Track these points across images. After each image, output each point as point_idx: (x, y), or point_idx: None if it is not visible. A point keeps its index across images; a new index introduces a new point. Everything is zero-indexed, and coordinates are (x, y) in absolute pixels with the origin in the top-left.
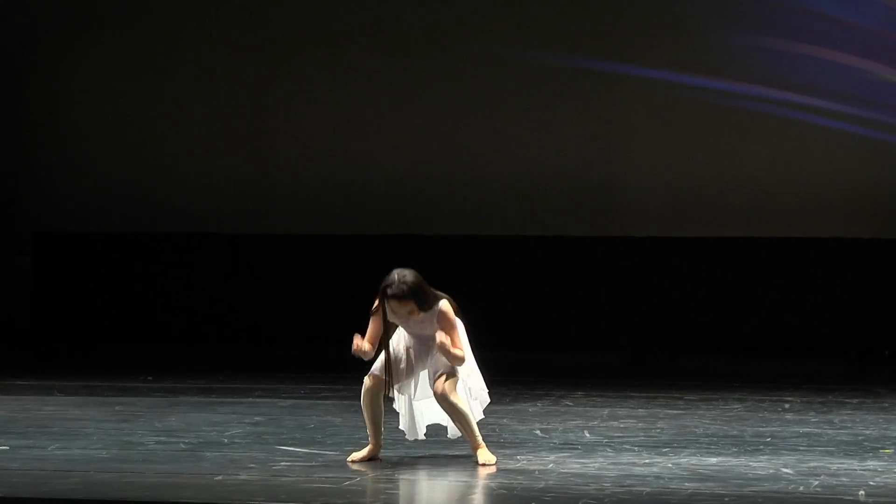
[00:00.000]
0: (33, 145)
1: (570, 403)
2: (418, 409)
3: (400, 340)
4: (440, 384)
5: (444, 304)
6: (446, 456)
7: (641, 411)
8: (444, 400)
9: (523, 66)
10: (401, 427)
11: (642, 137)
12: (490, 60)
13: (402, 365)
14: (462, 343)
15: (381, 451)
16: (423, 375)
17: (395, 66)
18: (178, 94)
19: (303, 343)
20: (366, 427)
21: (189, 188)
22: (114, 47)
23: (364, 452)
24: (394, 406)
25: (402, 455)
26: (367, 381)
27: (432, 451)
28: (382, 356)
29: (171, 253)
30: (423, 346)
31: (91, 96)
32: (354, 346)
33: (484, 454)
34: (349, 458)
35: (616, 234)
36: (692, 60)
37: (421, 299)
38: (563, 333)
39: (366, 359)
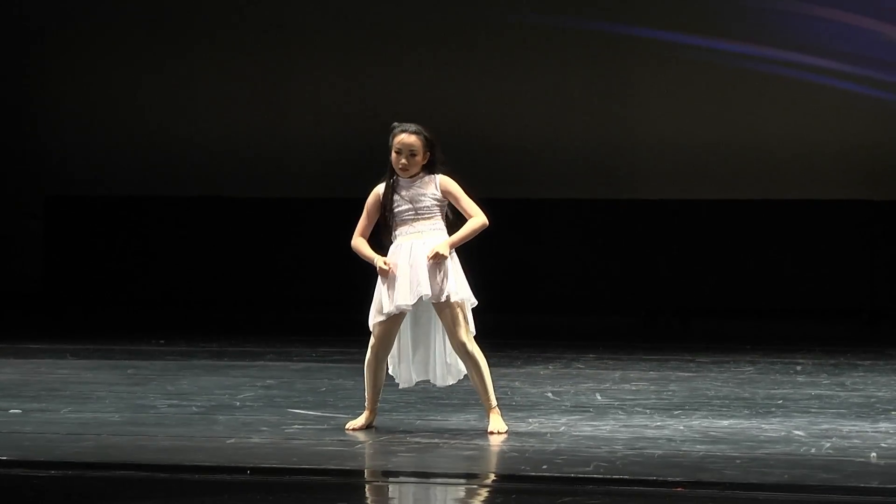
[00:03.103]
0: (44, 110)
1: (582, 366)
2: (411, 355)
3: (395, 260)
4: (456, 334)
5: (444, 176)
6: (455, 420)
7: (653, 374)
8: (463, 352)
9: (535, 29)
10: (391, 372)
11: (655, 100)
12: (502, 23)
13: (405, 282)
14: (470, 206)
15: (378, 417)
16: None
17: (409, 28)
18: (188, 57)
19: (316, 306)
20: (365, 392)
21: (201, 151)
22: (125, 13)
23: (362, 420)
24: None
25: (409, 419)
26: (372, 339)
27: (439, 416)
28: (383, 302)
29: (183, 216)
30: (418, 250)
31: (102, 60)
32: (387, 271)
33: (496, 421)
34: (347, 426)
35: (628, 197)
36: (704, 23)
37: (428, 140)
38: (575, 296)
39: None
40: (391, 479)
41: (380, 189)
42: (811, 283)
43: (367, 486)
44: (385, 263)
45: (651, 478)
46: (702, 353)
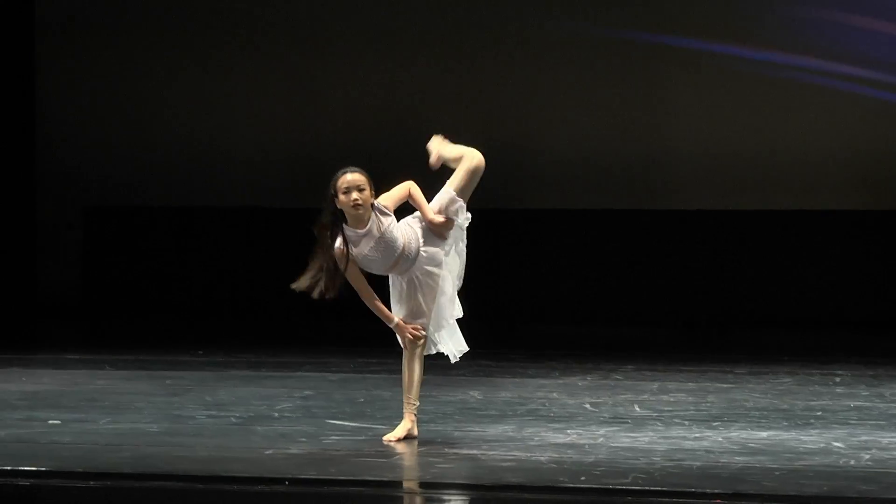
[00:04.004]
0: (84, 121)
1: (620, 377)
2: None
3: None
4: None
5: (375, 202)
6: (493, 431)
7: (691, 385)
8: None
9: (570, 39)
10: (443, 351)
11: (690, 110)
12: (536, 33)
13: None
14: (399, 192)
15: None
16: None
17: (441, 38)
18: (227, 67)
19: (354, 317)
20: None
21: (240, 161)
22: (162, 23)
23: (402, 430)
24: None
25: (447, 430)
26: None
27: (477, 427)
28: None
29: (222, 227)
30: (406, 276)
31: (141, 71)
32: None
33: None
34: (385, 438)
35: (664, 207)
36: (738, 32)
37: (369, 176)
38: (613, 307)
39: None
40: (429, 491)
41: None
42: (850, 293)
43: (405, 498)
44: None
45: (689, 489)
46: (740, 364)
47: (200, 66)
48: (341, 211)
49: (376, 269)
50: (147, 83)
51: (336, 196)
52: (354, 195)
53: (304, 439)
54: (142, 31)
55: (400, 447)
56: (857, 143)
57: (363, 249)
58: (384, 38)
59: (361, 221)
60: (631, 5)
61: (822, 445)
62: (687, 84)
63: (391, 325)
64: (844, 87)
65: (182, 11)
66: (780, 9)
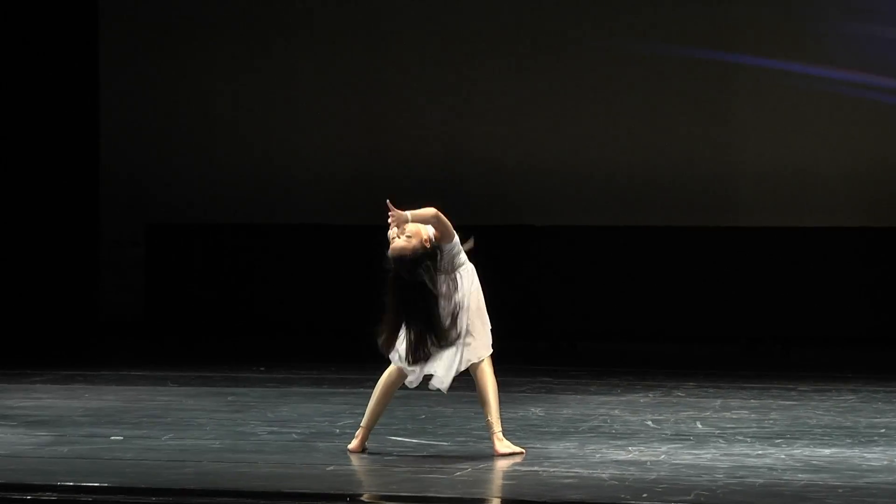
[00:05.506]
0: (147, 137)
1: (682, 394)
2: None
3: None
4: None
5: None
6: (554, 448)
7: (754, 402)
8: None
9: (637, 57)
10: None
11: (756, 127)
12: (604, 52)
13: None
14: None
15: (476, 445)
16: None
17: (509, 57)
18: (290, 85)
19: None
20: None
21: (301, 179)
22: (226, 41)
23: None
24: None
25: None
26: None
27: (538, 444)
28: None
29: (284, 244)
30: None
31: (203, 88)
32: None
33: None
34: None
35: (728, 225)
36: (806, 49)
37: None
38: (675, 324)
39: None
40: None
41: None
42: None
43: None
44: None
45: None
46: (803, 382)
47: (264, 84)
48: None
49: None
50: (210, 101)
51: None
52: None
53: (365, 456)
54: (206, 49)
55: (460, 463)
56: None
57: None
58: (450, 58)
59: None
60: (702, 24)
61: (885, 463)
62: (755, 102)
63: None
64: None
65: (246, 30)
66: (845, 26)
